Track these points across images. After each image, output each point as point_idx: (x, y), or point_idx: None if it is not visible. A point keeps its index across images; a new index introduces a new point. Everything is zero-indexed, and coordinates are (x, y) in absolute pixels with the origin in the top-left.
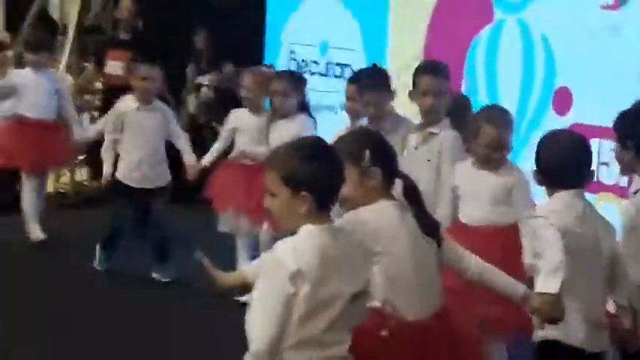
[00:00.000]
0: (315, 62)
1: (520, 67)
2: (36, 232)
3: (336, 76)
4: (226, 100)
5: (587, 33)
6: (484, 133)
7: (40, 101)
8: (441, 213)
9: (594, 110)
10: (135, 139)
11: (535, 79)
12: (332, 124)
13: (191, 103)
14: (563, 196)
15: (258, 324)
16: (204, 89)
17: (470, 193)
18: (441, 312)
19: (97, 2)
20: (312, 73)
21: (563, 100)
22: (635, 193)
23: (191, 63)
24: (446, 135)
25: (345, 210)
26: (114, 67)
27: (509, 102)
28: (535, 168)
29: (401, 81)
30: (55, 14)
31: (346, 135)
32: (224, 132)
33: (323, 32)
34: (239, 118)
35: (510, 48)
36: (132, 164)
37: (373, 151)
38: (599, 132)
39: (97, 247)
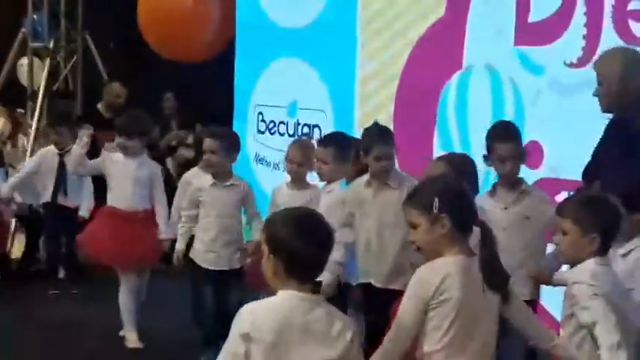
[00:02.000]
0: (283, 123)
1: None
2: (133, 339)
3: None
4: None
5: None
6: None
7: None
8: None
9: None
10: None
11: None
12: None
13: (170, 164)
14: (599, 260)
15: None
16: (181, 149)
17: None
18: None
19: (65, 67)
20: (281, 134)
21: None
22: (626, 255)
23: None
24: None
25: (422, 256)
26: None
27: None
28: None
29: None
30: (23, 80)
31: (421, 182)
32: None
33: (291, 93)
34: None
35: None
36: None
37: (442, 199)
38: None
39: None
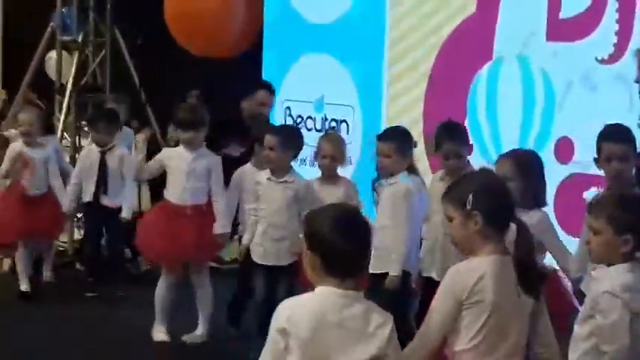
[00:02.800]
0: (311, 118)
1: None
2: (159, 333)
3: None
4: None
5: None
6: None
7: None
8: None
9: None
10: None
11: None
12: None
13: None
14: (629, 267)
15: None
16: None
17: None
18: None
19: (94, 62)
20: (309, 129)
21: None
22: None
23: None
24: None
25: (458, 252)
26: None
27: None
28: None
29: None
30: (51, 74)
31: (461, 177)
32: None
33: (319, 88)
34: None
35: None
36: None
37: (477, 196)
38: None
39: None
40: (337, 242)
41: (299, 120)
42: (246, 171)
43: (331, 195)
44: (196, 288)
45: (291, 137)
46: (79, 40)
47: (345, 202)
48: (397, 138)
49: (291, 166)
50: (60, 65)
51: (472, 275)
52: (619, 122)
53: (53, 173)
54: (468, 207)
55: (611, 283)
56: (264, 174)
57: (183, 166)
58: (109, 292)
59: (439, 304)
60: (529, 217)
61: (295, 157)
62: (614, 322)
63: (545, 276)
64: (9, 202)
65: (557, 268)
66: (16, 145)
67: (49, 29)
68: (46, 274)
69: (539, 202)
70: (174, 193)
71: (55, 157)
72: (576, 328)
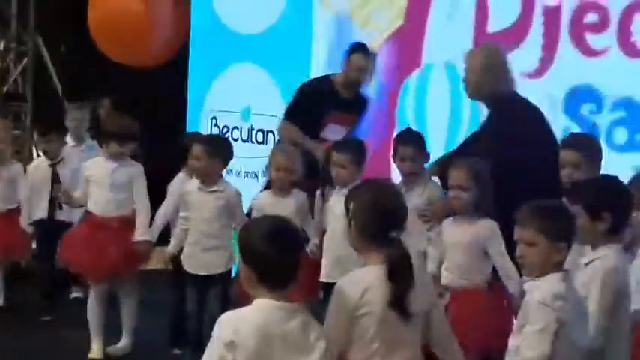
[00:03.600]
0: (237, 128)
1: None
2: (95, 349)
3: (258, 143)
4: None
5: None
6: None
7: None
8: None
9: None
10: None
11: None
12: (254, 191)
13: None
14: (562, 277)
15: None
16: None
17: None
18: None
19: (16, 70)
20: (235, 140)
21: None
22: (588, 264)
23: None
24: None
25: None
26: None
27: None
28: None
29: None
30: None
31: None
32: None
33: (245, 99)
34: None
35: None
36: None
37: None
38: None
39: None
40: (269, 254)
41: (225, 130)
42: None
43: (283, 208)
44: (122, 298)
45: (219, 146)
46: (1, 48)
47: (298, 214)
48: (352, 149)
49: (221, 175)
50: None
51: (357, 288)
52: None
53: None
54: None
55: (543, 293)
56: (194, 183)
57: (105, 178)
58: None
59: (332, 320)
60: (480, 226)
61: (225, 166)
62: (539, 329)
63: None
64: None
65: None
66: None
67: None
68: None
69: (489, 211)
70: (98, 205)
71: None
72: (510, 340)
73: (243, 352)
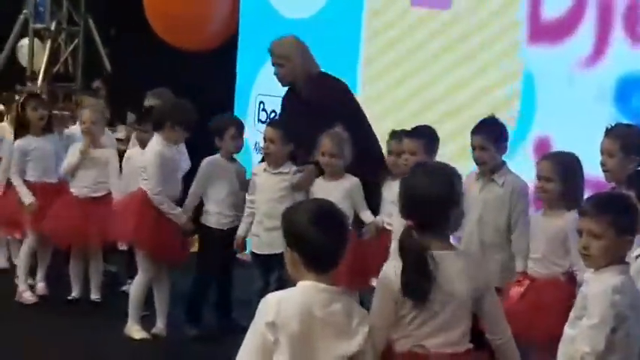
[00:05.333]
0: None
1: None
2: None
3: None
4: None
5: None
6: None
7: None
8: None
9: None
10: None
11: None
12: None
13: None
14: (622, 270)
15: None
16: None
17: None
18: None
19: (66, 50)
20: None
21: None
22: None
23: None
24: None
25: None
26: None
27: None
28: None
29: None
30: (23, 61)
31: None
32: None
33: None
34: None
35: None
36: None
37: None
38: None
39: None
40: (314, 238)
41: (272, 114)
42: (215, 161)
43: (333, 192)
44: (156, 285)
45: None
46: (52, 28)
47: (347, 199)
48: (425, 136)
49: (288, 158)
50: (32, 53)
51: (397, 273)
52: None
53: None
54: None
55: (603, 286)
56: (262, 165)
57: (175, 163)
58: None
59: (377, 304)
60: (565, 219)
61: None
62: (596, 324)
63: None
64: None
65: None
66: None
67: (21, 16)
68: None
69: (576, 203)
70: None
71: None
72: (566, 328)
73: (284, 333)
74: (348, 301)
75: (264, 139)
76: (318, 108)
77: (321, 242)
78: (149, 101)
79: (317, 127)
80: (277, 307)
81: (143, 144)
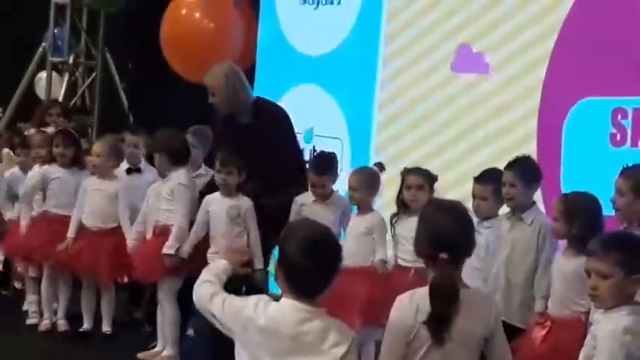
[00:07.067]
0: None
1: None
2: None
3: None
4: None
5: None
6: None
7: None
8: None
9: None
10: None
11: None
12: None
13: None
14: (632, 310)
15: None
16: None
17: None
18: None
19: (83, 83)
20: None
21: None
22: None
23: None
24: None
25: None
26: None
27: None
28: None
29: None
30: (41, 94)
31: None
32: None
33: (309, 119)
34: None
35: None
36: None
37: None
38: None
39: None
40: (298, 260)
41: None
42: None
43: (355, 226)
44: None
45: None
46: (70, 62)
47: (366, 233)
48: (495, 181)
49: (333, 189)
50: (49, 86)
51: (410, 308)
52: None
53: None
54: None
55: (613, 326)
56: (308, 196)
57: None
58: None
59: (388, 338)
60: (583, 260)
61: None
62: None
63: None
64: None
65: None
66: None
67: (40, 49)
68: None
69: None
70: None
71: None
72: None
73: (252, 333)
74: (324, 322)
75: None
76: (260, 133)
77: (305, 267)
78: (189, 139)
79: (258, 152)
80: (262, 309)
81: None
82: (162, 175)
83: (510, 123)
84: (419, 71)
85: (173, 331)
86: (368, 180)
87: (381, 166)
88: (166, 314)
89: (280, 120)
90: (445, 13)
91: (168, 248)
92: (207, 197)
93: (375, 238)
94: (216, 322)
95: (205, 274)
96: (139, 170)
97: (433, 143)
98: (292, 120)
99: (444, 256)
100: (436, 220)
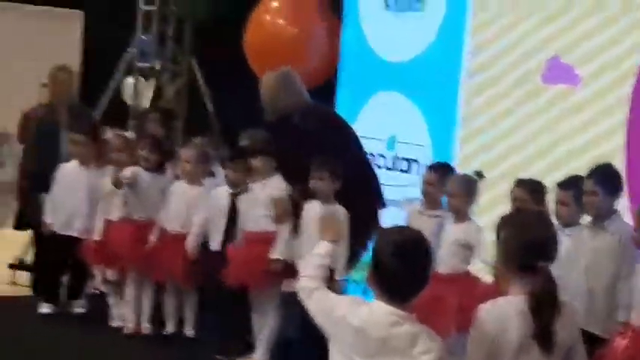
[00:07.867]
0: (382, 156)
1: None
2: None
3: (402, 171)
4: None
5: None
6: None
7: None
8: None
9: None
10: None
11: None
12: (396, 220)
13: None
14: None
15: None
16: None
17: None
18: None
19: (172, 87)
20: (379, 167)
21: None
22: None
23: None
24: None
25: None
26: None
27: None
28: None
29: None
30: (128, 99)
31: None
32: None
33: (391, 127)
34: None
35: None
36: None
37: None
38: None
39: None
40: (391, 264)
41: (371, 157)
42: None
43: (451, 234)
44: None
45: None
46: (157, 67)
47: (462, 242)
48: (577, 187)
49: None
50: (137, 91)
51: (497, 319)
52: None
53: None
54: None
55: None
56: (416, 206)
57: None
58: None
59: (472, 349)
60: None
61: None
62: None
63: None
64: None
65: None
66: None
67: (127, 55)
68: None
69: None
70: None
71: None
72: None
73: (344, 332)
74: (415, 328)
75: None
76: (315, 137)
77: (398, 271)
78: (244, 141)
79: (313, 156)
80: (354, 311)
81: (231, 183)
82: (239, 182)
83: (597, 136)
84: (507, 83)
85: (271, 337)
86: (467, 187)
87: (479, 175)
88: (269, 320)
89: (335, 124)
90: (533, 27)
91: (276, 253)
92: (307, 204)
93: (471, 247)
94: (314, 319)
95: (305, 269)
96: (212, 174)
97: (519, 155)
98: (350, 125)
99: (544, 264)
100: (530, 229)
